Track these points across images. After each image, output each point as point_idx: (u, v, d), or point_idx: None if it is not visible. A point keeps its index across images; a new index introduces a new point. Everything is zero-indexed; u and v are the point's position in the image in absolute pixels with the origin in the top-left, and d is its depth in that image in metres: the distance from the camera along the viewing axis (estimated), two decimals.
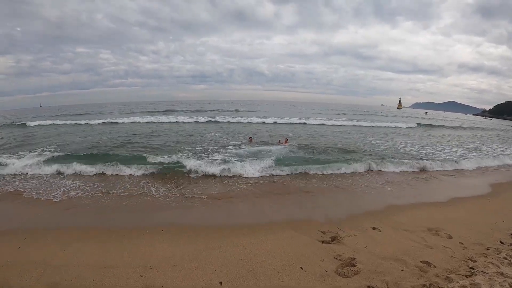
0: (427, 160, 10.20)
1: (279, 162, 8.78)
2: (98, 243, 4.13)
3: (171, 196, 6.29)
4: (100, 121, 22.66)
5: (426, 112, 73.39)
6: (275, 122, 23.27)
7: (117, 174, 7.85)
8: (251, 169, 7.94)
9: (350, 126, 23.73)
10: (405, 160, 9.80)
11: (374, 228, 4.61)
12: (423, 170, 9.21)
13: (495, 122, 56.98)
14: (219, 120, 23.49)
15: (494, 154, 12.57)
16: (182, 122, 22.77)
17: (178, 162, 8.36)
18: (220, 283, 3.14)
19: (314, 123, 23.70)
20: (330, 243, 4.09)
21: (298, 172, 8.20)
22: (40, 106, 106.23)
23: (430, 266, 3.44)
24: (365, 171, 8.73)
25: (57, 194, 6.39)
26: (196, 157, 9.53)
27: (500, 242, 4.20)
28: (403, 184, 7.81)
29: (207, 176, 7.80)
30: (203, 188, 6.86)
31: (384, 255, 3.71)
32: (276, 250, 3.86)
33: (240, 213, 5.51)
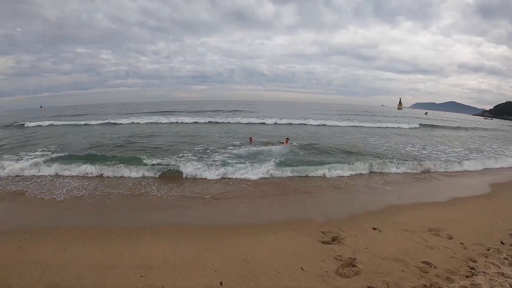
0: (429, 160, 10.19)
1: (279, 162, 8.76)
2: (98, 243, 4.13)
3: (171, 196, 6.30)
4: (101, 122, 22.69)
5: (426, 112, 73.30)
6: (276, 123, 23.28)
7: (116, 175, 7.84)
8: (251, 176, 7.78)
9: (350, 126, 23.74)
10: (406, 161, 9.79)
11: (374, 229, 4.60)
12: (424, 171, 9.18)
13: (495, 122, 56.95)
14: (220, 120, 23.51)
15: (495, 155, 12.55)
16: (182, 122, 22.79)
17: (176, 165, 8.23)
18: (221, 283, 3.14)
19: (314, 124, 23.70)
20: (331, 244, 4.09)
21: (298, 172, 8.19)
22: (41, 107, 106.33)
23: (430, 266, 3.44)
24: (365, 171, 8.71)
25: (60, 193, 6.40)
26: (196, 158, 9.55)
27: (501, 242, 4.19)
28: (403, 184, 7.81)
29: None
30: (203, 188, 6.86)
31: (384, 255, 3.71)
32: (276, 251, 3.85)
33: (240, 213, 5.51)
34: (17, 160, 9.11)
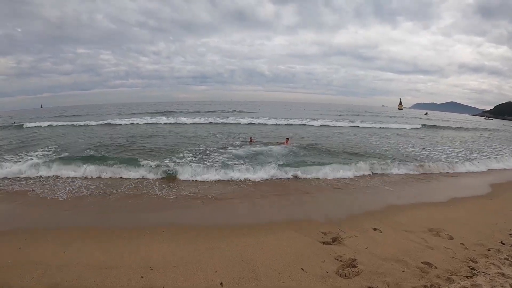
0: (429, 161, 10.19)
1: (279, 162, 8.76)
2: (99, 243, 4.13)
3: (171, 196, 6.30)
4: (101, 122, 22.67)
5: (427, 113, 73.27)
6: (276, 124, 23.29)
7: (117, 176, 7.83)
8: (252, 176, 7.75)
9: (350, 127, 23.71)
10: (406, 161, 9.79)
11: (374, 229, 4.60)
12: (424, 171, 9.18)
13: (495, 122, 56.95)
14: (220, 121, 23.52)
15: (496, 155, 12.54)
16: (183, 123, 22.80)
17: (176, 166, 8.19)
18: (221, 284, 3.14)
19: (314, 124, 23.70)
20: (331, 244, 4.09)
21: (298, 172, 8.19)
22: (41, 107, 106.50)
23: (431, 267, 3.43)
24: (365, 171, 8.69)
25: (62, 193, 6.41)
26: (196, 158, 9.55)
27: (501, 242, 4.19)
28: (403, 184, 7.80)
29: None
30: (203, 188, 6.86)
31: (385, 256, 3.71)
32: (276, 251, 3.85)
33: (240, 213, 5.52)
34: (17, 160, 9.11)
